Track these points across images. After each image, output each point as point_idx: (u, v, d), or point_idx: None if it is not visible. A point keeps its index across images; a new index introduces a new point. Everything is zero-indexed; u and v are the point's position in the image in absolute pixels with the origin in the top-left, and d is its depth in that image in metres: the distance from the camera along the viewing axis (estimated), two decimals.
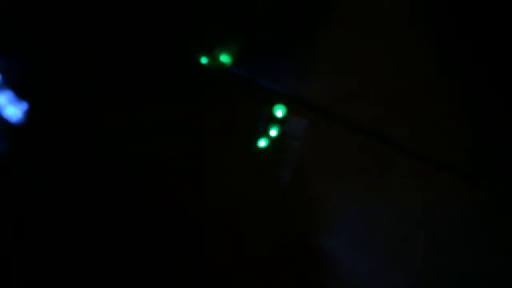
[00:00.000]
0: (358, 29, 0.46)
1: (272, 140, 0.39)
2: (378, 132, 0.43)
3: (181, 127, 0.40)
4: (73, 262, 0.32)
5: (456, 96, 0.44)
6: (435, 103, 0.44)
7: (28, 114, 0.28)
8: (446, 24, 0.46)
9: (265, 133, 0.40)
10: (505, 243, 0.40)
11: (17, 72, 0.26)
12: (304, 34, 0.44)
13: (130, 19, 0.31)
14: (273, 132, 0.40)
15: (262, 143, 0.39)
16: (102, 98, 0.33)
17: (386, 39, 0.46)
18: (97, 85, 0.32)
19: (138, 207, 0.34)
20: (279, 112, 0.40)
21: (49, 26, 0.29)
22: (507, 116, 0.43)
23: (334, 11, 0.46)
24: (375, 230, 0.40)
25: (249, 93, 0.43)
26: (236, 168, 0.39)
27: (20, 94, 0.26)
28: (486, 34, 0.44)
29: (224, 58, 0.35)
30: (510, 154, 0.42)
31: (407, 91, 0.45)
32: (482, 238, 0.40)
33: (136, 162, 0.34)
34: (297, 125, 0.42)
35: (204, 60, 0.35)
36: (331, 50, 0.45)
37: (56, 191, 0.32)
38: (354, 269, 0.39)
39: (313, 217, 0.40)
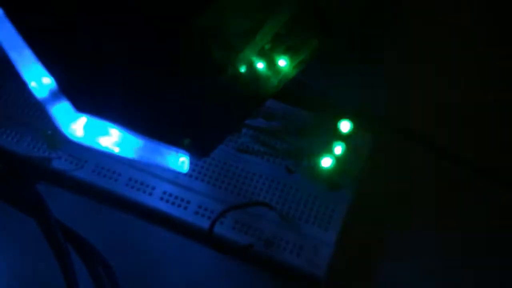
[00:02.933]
0: (429, 41, 0.42)
1: (337, 159, 0.35)
2: (450, 152, 0.39)
3: None
4: None
5: None
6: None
7: None
8: None
9: (329, 151, 0.36)
10: None
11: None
12: (372, 43, 0.41)
13: None
14: (338, 150, 0.36)
15: (327, 162, 0.35)
16: None
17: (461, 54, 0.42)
18: None
19: None
20: (345, 127, 0.36)
21: None
22: None
23: (404, 19, 0.42)
24: (447, 261, 0.36)
25: (311, 104, 0.39)
26: None
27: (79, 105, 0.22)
28: None
29: (283, 63, 0.31)
30: None
31: (481, 108, 0.40)
32: None
33: None
34: (361, 141, 0.38)
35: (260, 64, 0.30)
36: (400, 62, 0.41)
37: None
38: None
39: (376, 242, 0.36)
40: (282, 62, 0.30)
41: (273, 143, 0.38)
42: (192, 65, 0.27)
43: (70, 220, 0.34)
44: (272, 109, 0.39)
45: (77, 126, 0.24)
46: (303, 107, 0.39)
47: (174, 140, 0.29)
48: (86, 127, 0.24)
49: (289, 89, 0.33)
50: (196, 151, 0.30)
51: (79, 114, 0.23)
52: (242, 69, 0.29)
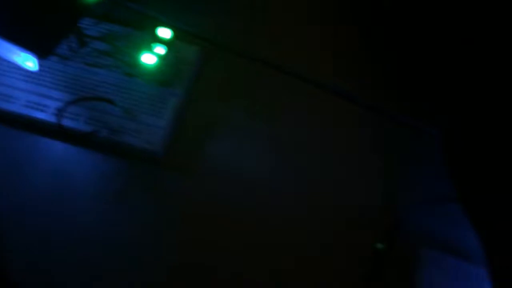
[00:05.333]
0: None
1: (161, 59, 0.44)
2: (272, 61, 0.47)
3: None
4: None
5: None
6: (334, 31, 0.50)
7: None
8: None
9: (149, 50, 0.44)
10: None
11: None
12: None
13: None
14: (160, 50, 0.44)
15: (149, 58, 0.44)
16: None
17: None
18: None
19: None
20: (165, 33, 0.44)
21: None
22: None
23: None
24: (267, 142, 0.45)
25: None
26: None
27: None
28: None
29: None
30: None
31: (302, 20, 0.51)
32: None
33: None
34: (188, 52, 0.47)
35: None
36: None
37: None
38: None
39: (205, 130, 0.45)
40: None
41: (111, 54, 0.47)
42: None
43: None
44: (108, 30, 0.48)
45: None
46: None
47: (18, 38, 0.37)
48: None
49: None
50: (37, 50, 0.39)
51: None
52: None
